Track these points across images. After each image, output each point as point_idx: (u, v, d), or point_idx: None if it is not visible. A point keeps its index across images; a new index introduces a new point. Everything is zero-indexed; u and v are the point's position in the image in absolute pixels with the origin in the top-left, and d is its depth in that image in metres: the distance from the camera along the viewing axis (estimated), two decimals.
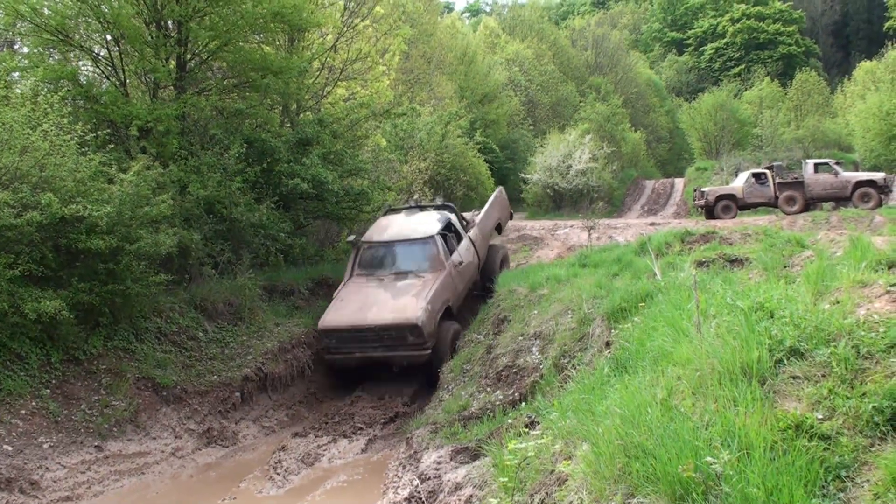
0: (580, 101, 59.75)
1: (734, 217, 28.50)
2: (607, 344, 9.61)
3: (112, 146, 15.40)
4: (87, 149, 13.77)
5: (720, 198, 29.80)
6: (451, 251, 16.05)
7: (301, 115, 22.69)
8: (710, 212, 29.69)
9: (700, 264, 12.58)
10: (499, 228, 18.91)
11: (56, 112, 13.56)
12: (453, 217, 16.87)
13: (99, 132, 14.49)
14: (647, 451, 4.74)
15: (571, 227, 31.52)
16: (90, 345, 12.65)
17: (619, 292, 10.93)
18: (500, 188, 20.07)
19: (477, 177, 33.47)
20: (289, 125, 21.62)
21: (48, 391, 11.45)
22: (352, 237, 16.59)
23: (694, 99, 64.38)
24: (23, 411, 10.90)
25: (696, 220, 28.19)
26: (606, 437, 5.17)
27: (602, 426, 5.37)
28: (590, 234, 22.00)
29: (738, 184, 30.40)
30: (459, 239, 16.64)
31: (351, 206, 20.56)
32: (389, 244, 16.27)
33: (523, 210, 44.47)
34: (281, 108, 22.11)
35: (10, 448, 10.14)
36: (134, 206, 13.39)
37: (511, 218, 20.02)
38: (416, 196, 17.99)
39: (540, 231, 31.60)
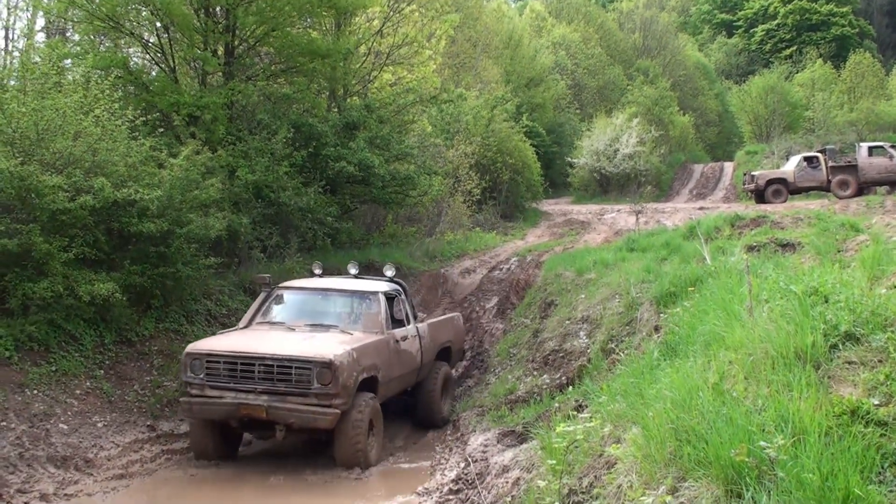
0: (627, 85, 59.11)
1: (785, 201, 28.02)
2: (656, 328, 9.54)
3: (162, 131, 15.59)
4: (137, 134, 13.96)
5: (771, 182, 29.29)
6: (395, 322, 11.95)
7: (348, 100, 22.76)
8: (760, 196, 29.21)
9: (750, 249, 12.40)
10: (447, 355, 13.49)
11: (107, 98, 13.75)
12: (404, 296, 12.66)
13: (148, 117, 14.66)
14: (698, 435, 4.69)
15: (618, 211, 31.31)
16: (142, 326, 12.87)
17: (668, 277, 10.84)
18: (457, 314, 15.11)
19: (523, 161, 33.27)
20: (335, 110, 21.70)
21: (102, 372, 11.67)
22: (266, 277, 12.30)
23: (744, 82, 63.32)
24: (78, 391, 11.13)
25: (745, 205, 27.80)
26: (657, 420, 5.12)
27: (652, 410, 5.32)
28: (637, 219, 21.84)
29: (790, 168, 29.87)
30: (405, 323, 12.29)
31: (397, 190, 20.61)
32: (315, 291, 12.17)
33: (569, 195, 44.23)
34: (328, 93, 22.22)
35: (65, 427, 10.36)
36: (184, 191, 13.56)
37: (463, 357, 14.76)
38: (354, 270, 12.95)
39: (586, 215, 31.42)
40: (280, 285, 12.33)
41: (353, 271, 12.92)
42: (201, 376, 10.22)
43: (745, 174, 32.32)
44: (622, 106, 50.78)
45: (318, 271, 13.06)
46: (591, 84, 57.96)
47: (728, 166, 50.02)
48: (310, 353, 9.99)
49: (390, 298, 12.10)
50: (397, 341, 11.63)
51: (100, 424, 10.74)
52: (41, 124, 12.26)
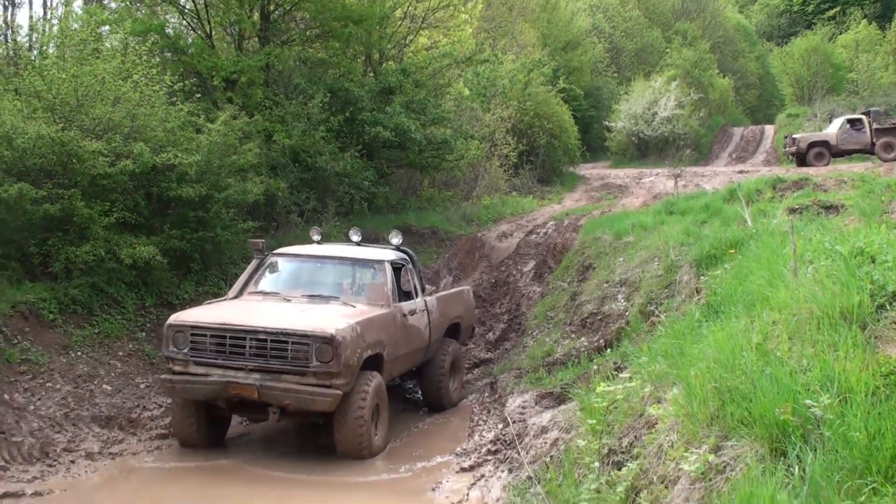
0: (666, 48, 58.20)
1: (827, 164, 27.50)
2: (696, 290, 9.44)
3: (199, 96, 15.65)
4: (175, 99, 14.02)
5: (813, 144, 28.76)
6: (402, 294, 10.94)
7: (384, 65, 22.67)
8: (801, 159, 28.70)
9: (793, 211, 12.19)
10: (456, 331, 12.29)
11: (145, 64, 13.83)
12: (412, 266, 11.57)
13: (186, 83, 14.71)
14: (742, 394, 4.64)
15: (657, 175, 31.00)
16: (182, 290, 13.02)
17: (709, 239, 10.71)
18: (467, 287, 14.16)
19: (560, 125, 32.99)
20: (371, 74, 21.64)
21: (143, 334, 11.83)
22: (259, 243, 11.13)
23: (785, 44, 62.03)
24: (120, 353, 11.30)
25: (786, 168, 27.36)
26: (699, 380, 5.07)
27: (694, 369, 5.27)
28: (676, 182, 21.59)
29: (832, 130, 29.29)
30: (412, 296, 11.28)
31: (433, 154, 20.57)
32: (314, 259, 10.98)
33: (607, 159, 43.86)
34: (363, 58, 22.15)
35: (109, 388, 10.54)
36: (222, 155, 13.62)
37: (473, 333, 13.65)
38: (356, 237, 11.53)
39: (624, 179, 31.17)
40: (275, 252, 11.18)
41: (356, 238, 11.51)
42: (185, 351, 9.10)
43: (786, 137, 31.77)
44: (660, 69, 50.06)
45: (316, 237, 11.67)
46: (628, 47, 57.17)
47: (769, 129, 49.22)
48: (308, 327, 8.90)
49: (397, 268, 11.03)
50: (404, 315, 10.52)
51: (142, 385, 10.91)
52: (81, 90, 12.36)
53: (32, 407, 9.50)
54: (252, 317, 9.25)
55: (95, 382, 10.48)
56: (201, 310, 9.81)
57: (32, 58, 16.22)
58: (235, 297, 10.33)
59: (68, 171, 11.77)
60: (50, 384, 9.97)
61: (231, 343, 8.98)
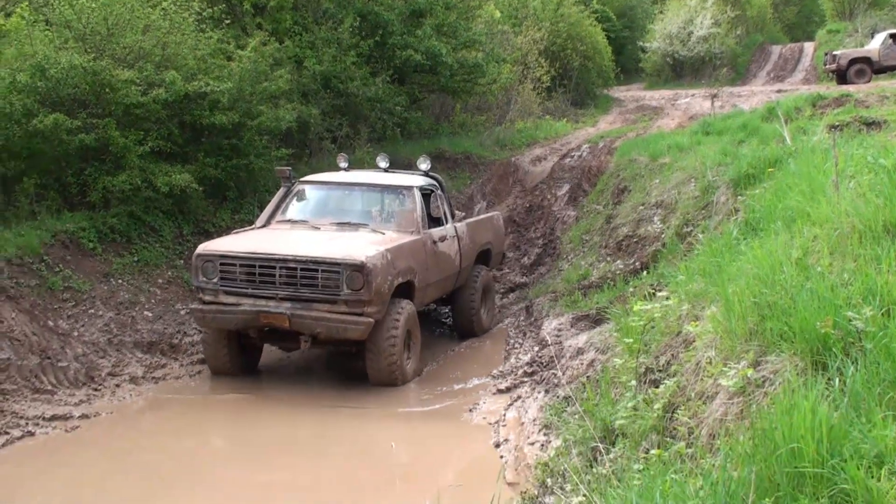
0: None
1: (869, 81, 26.78)
2: (734, 210, 9.33)
3: (228, 23, 15.53)
4: (204, 27, 13.93)
5: (854, 61, 27.97)
6: (431, 221, 10.69)
7: None
8: (842, 76, 27.97)
9: (833, 128, 11.95)
10: (486, 258, 12.21)
11: None
12: (441, 191, 11.38)
13: (214, 9, 14.58)
14: (782, 309, 4.59)
15: (693, 96, 30.44)
16: (218, 218, 13.13)
17: (746, 158, 10.52)
18: (496, 213, 13.83)
19: (594, 46, 32.40)
20: None
21: (182, 262, 11.97)
22: (286, 171, 10.91)
23: None
24: (160, 280, 11.48)
25: (826, 86, 26.72)
26: (738, 296, 5.02)
27: (733, 286, 5.22)
28: (713, 103, 21.16)
29: (874, 46, 28.45)
30: (442, 222, 11.01)
31: (465, 78, 20.33)
32: (342, 187, 10.90)
33: (641, 80, 43.12)
34: None
35: (150, 314, 10.73)
36: (253, 82, 13.57)
37: (503, 259, 13.70)
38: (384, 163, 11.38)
39: (659, 101, 30.66)
40: (302, 179, 11.08)
41: (383, 165, 11.36)
42: (215, 280, 9.11)
43: (826, 54, 30.93)
44: None
45: (343, 164, 11.55)
46: None
47: (808, 47, 47.88)
48: (338, 255, 8.85)
49: (426, 194, 10.81)
50: (434, 242, 10.40)
51: (182, 312, 11.08)
52: (111, 19, 12.33)
53: (76, 333, 9.72)
54: (281, 245, 9.23)
55: (136, 309, 10.67)
56: (230, 239, 9.78)
57: None
58: (263, 225, 10.27)
59: (102, 100, 11.82)
60: (92, 311, 10.17)
61: (261, 272, 8.96)
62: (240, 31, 16.23)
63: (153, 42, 12.59)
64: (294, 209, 10.58)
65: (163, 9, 13.08)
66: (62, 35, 12.35)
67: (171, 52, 12.71)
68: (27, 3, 13.44)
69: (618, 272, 11.27)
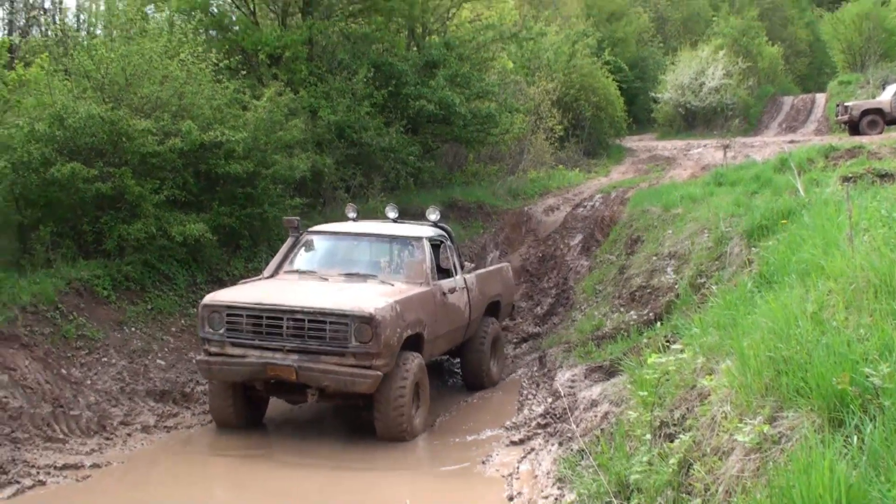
0: (713, 16, 57.17)
1: (881, 132, 26.83)
2: (748, 262, 9.31)
3: (244, 73, 15.75)
4: (221, 77, 14.13)
5: (866, 112, 28.07)
6: (440, 272, 10.58)
7: (427, 39, 22.60)
8: (854, 128, 28.05)
9: (846, 180, 11.95)
10: (496, 310, 12.07)
11: (191, 42, 13.93)
12: (450, 242, 11.23)
13: (231, 60, 14.79)
14: (797, 364, 4.56)
15: (705, 146, 30.55)
16: (232, 266, 13.18)
17: (760, 210, 10.54)
18: (506, 264, 13.68)
19: (606, 97, 32.65)
20: (415, 49, 21.59)
21: (195, 310, 11.93)
22: (294, 220, 10.88)
23: (836, 9, 60.53)
24: (173, 328, 11.49)
25: (839, 137, 26.78)
26: (753, 350, 5.00)
27: (748, 340, 5.20)
28: (725, 153, 21.23)
29: (886, 97, 28.56)
30: (451, 273, 10.86)
31: (478, 128, 20.50)
32: (351, 237, 10.73)
33: (653, 131, 43.35)
34: (406, 32, 22.10)
35: (163, 362, 10.73)
36: (268, 132, 13.72)
37: (513, 311, 13.47)
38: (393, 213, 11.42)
39: (672, 151, 30.79)
40: (310, 229, 10.94)
41: (392, 215, 11.29)
42: (221, 332, 8.92)
43: (837, 105, 31.06)
44: (707, 38, 49.19)
45: (352, 214, 11.35)
46: (674, 16, 56.31)
47: (820, 98, 48.16)
48: (347, 306, 8.65)
49: (435, 245, 10.66)
50: (444, 294, 10.26)
51: (195, 360, 11.03)
52: (129, 70, 12.52)
53: (89, 381, 9.70)
54: (289, 296, 9.05)
55: (149, 357, 10.67)
56: (237, 289, 9.66)
57: (81, 38, 16.45)
58: (271, 276, 10.13)
59: (118, 149, 11.94)
60: (105, 359, 10.17)
61: (268, 323, 8.80)
62: (256, 81, 16.46)
63: (170, 92, 12.75)
64: (302, 259, 10.44)
65: (181, 60, 13.28)
66: (81, 85, 12.53)
67: (188, 101, 12.87)
68: (47, 54, 13.69)
69: (631, 323, 11.21)
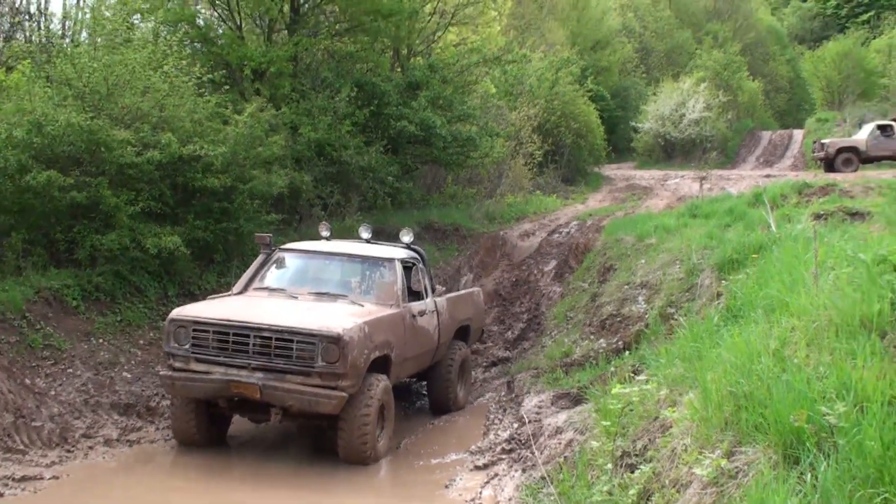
0: (696, 49, 57.88)
1: (856, 171, 27.18)
2: (717, 295, 9.40)
3: (227, 88, 15.74)
4: (203, 91, 14.13)
5: (841, 150, 28.45)
6: (411, 294, 10.55)
7: (411, 60, 22.72)
8: (829, 165, 28.42)
9: (818, 217, 12.13)
10: (465, 334, 11.96)
11: (175, 55, 13.92)
12: (422, 264, 11.21)
13: (215, 74, 14.79)
14: (757, 400, 4.62)
15: (682, 177, 30.84)
16: (204, 280, 13.11)
17: (731, 243, 10.64)
18: (477, 289, 13.55)
19: (587, 125, 32.92)
20: (399, 69, 21.69)
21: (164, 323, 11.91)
22: (266, 237, 10.71)
23: (817, 47, 61.46)
24: (141, 341, 11.40)
25: (814, 173, 27.08)
26: (715, 384, 5.06)
27: (711, 374, 5.26)
28: (701, 185, 21.43)
29: (862, 136, 28.98)
30: (422, 296, 10.84)
31: (458, 151, 20.55)
32: (322, 256, 10.66)
33: (633, 160, 43.70)
34: (391, 53, 22.19)
35: (129, 375, 10.64)
36: (248, 147, 13.70)
37: (482, 336, 13.37)
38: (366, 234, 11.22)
39: (649, 181, 31.05)
40: (282, 247, 10.87)
41: (366, 235, 11.13)
42: (186, 347, 8.75)
43: (814, 142, 31.49)
44: (690, 70, 49.77)
45: (325, 233, 11.21)
46: (658, 47, 56.93)
47: (797, 134, 48.78)
48: (315, 326, 8.54)
49: (407, 267, 10.66)
50: (414, 316, 10.12)
51: (159, 375, 10.97)
52: (111, 79, 12.48)
53: (53, 392, 9.61)
54: (256, 313, 8.93)
55: (116, 370, 10.58)
56: (204, 305, 9.51)
57: (65, 45, 16.40)
58: (240, 292, 9.98)
59: (96, 159, 11.88)
60: (71, 370, 10.09)
61: (234, 340, 8.65)
62: (238, 95, 16.45)
63: (151, 104, 12.72)
64: (272, 277, 10.34)
65: (164, 72, 13.27)
66: (62, 92, 12.48)
67: (169, 114, 12.83)
68: (29, 61, 13.64)
69: (600, 351, 11.27)
